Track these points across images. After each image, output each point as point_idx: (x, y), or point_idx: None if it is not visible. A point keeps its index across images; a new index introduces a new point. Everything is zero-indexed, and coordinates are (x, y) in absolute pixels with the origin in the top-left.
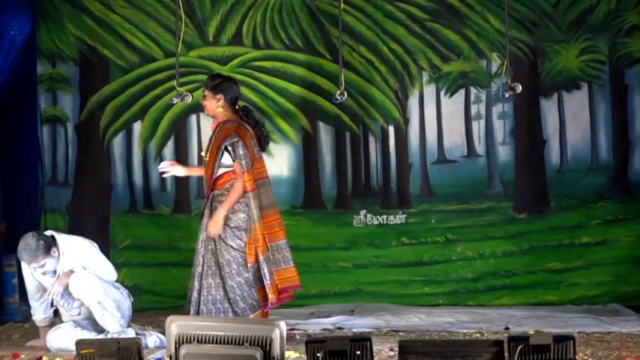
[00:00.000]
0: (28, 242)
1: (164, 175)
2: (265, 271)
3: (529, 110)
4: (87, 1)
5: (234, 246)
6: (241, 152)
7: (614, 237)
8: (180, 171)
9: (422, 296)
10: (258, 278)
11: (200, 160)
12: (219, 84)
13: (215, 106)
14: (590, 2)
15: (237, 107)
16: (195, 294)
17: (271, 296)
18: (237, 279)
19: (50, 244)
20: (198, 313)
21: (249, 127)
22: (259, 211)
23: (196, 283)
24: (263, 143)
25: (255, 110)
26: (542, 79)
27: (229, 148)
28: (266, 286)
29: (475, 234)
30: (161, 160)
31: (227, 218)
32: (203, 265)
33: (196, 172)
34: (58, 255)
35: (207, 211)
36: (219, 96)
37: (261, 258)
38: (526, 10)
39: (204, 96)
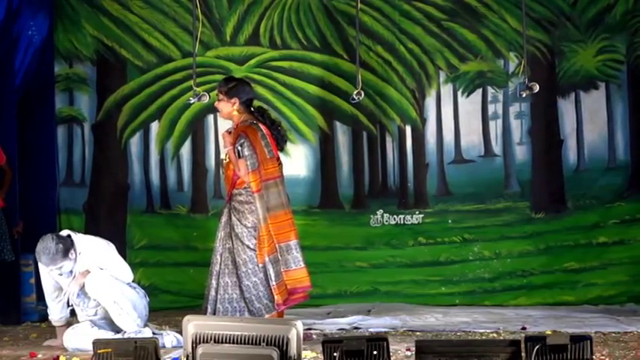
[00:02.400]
0: (47, 245)
1: None
2: (271, 272)
3: (546, 110)
4: (104, 1)
5: (251, 245)
6: (247, 153)
7: (632, 237)
8: None
9: (439, 296)
10: (267, 279)
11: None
12: (233, 87)
13: (230, 109)
14: (608, 2)
15: (252, 108)
16: (212, 292)
17: (277, 297)
18: (253, 279)
19: (69, 247)
20: (215, 311)
21: (264, 126)
22: (266, 211)
23: (213, 282)
24: (280, 142)
25: (272, 110)
26: (559, 79)
27: (239, 149)
28: (272, 287)
29: (492, 234)
30: (178, 160)
31: (244, 217)
32: (220, 264)
33: None
34: (76, 257)
35: (226, 210)
36: (233, 100)
37: (266, 259)
38: (543, 9)
39: (219, 100)
